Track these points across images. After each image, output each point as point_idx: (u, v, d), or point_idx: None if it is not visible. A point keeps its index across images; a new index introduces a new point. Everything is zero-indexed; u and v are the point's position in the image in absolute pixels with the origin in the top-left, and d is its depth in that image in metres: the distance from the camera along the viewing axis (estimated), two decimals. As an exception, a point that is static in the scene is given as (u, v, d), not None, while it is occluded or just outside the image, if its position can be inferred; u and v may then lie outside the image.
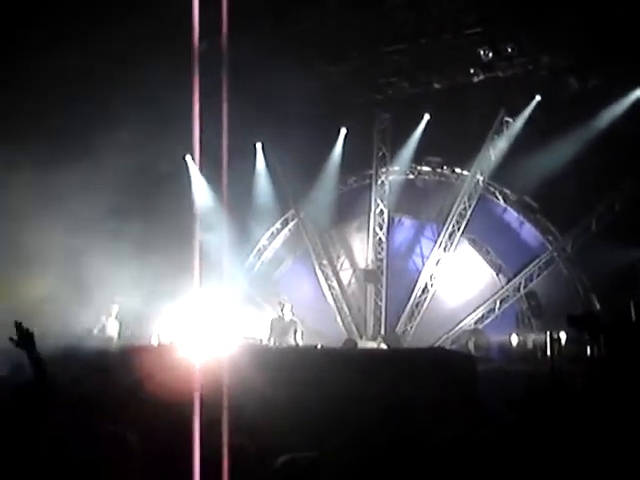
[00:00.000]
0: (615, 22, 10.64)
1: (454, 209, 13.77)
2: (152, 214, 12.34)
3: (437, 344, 12.91)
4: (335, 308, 14.53)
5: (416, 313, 13.85)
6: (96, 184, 10.91)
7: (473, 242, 13.84)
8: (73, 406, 3.53)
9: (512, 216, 13.60)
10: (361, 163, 14.70)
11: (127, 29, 10.71)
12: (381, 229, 14.49)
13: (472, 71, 12.51)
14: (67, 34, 10.55)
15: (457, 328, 13.41)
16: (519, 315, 13.28)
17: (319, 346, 10.35)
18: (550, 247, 13.12)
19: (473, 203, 13.74)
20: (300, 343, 10.95)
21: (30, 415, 2.96)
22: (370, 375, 6.86)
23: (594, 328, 8.91)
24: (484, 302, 13.47)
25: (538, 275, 13.18)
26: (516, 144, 12.88)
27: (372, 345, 12.80)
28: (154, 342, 11.37)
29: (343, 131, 14.32)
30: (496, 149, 13.36)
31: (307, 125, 12.20)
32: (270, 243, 15.44)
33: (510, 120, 13.16)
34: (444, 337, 13.31)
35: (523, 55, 11.97)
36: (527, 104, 12.76)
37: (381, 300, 14.15)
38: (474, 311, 13.46)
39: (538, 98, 12.64)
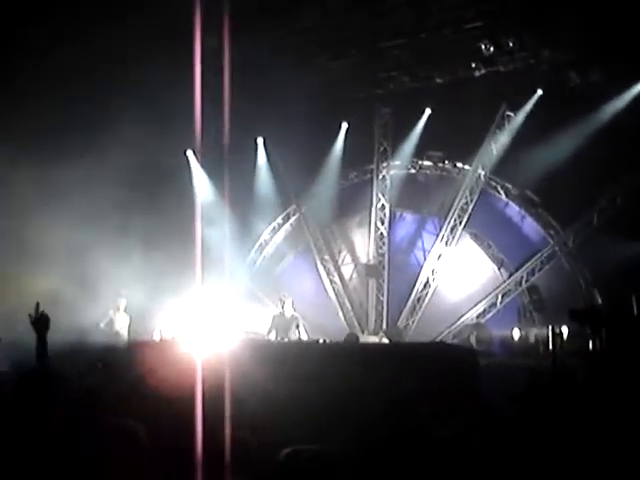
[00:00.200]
0: (616, 16, 10.61)
1: (456, 203, 13.77)
2: (156, 210, 12.36)
3: (439, 338, 12.92)
4: (337, 303, 14.55)
5: (418, 307, 13.87)
6: (100, 181, 10.95)
7: (475, 236, 13.84)
8: (79, 400, 3.54)
9: (514, 210, 13.60)
10: (362, 158, 14.71)
11: (128, 28, 10.71)
12: (382, 224, 14.50)
13: (473, 65, 12.48)
14: (69, 34, 10.57)
15: (459, 322, 13.43)
16: (521, 309, 13.28)
17: (321, 341, 10.37)
18: (552, 241, 13.12)
19: (475, 197, 13.75)
20: (303, 338, 10.97)
21: (33, 405, 2.98)
22: (372, 369, 6.88)
23: (596, 322, 8.92)
24: (486, 296, 13.48)
25: (540, 269, 13.18)
26: (517, 138, 12.87)
27: (374, 340, 12.81)
28: (156, 337, 11.39)
29: (344, 126, 14.32)
30: (497, 143, 13.35)
31: (308, 120, 12.21)
32: (272, 238, 15.45)
33: (511, 114, 13.15)
34: (446, 331, 13.32)
35: (524, 49, 11.94)
36: (528, 98, 12.75)
37: (383, 295, 14.17)
38: (476, 305, 13.47)
39: (539, 92, 12.63)
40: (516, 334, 12.13)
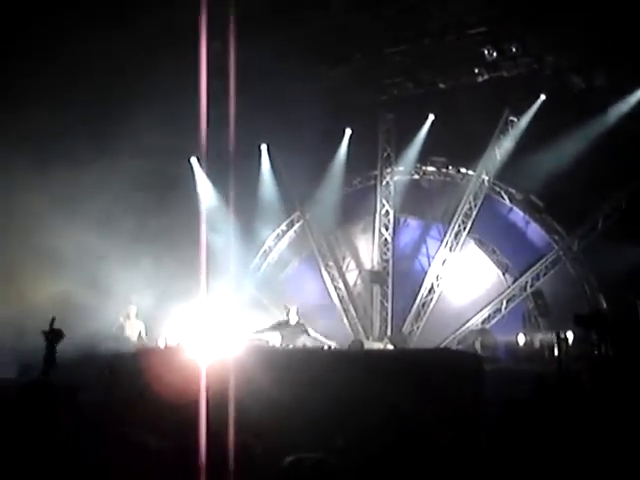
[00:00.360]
0: (619, 21, 10.61)
1: (460, 209, 13.76)
2: (166, 214, 12.39)
3: (444, 344, 12.89)
4: (341, 309, 14.53)
5: (422, 313, 13.84)
6: (112, 185, 11.00)
7: (479, 242, 13.83)
8: (85, 409, 3.55)
9: (518, 216, 13.58)
10: (366, 164, 14.71)
11: (136, 33, 10.77)
12: (387, 230, 14.49)
13: (477, 71, 12.51)
14: (69, 37, 10.61)
15: (464, 328, 13.39)
16: (526, 315, 13.25)
17: (325, 347, 10.37)
18: (556, 246, 13.09)
19: (479, 203, 13.73)
20: (311, 342, 10.96)
21: (36, 413, 2.98)
22: (376, 376, 6.86)
23: (601, 327, 8.90)
24: (490, 302, 13.44)
25: (544, 274, 13.15)
26: (521, 143, 12.87)
27: (379, 346, 12.79)
28: (161, 344, 11.40)
29: (348, 132, 14.34)
30: (501, 149, 13.35)
31: (312, 126, 12.22)
32: (276, 245, 15.45)
33: (515, 119, 13.15)
34: (451, 337, 13.29)
35: (527, 54, 11.96)
36: (532, 103, 12.76)
37: (387, 301, 14.14)
38: (481, 311, 13.44)
39: (543, 97, 12.63)
40: (521, 339, 12.09)
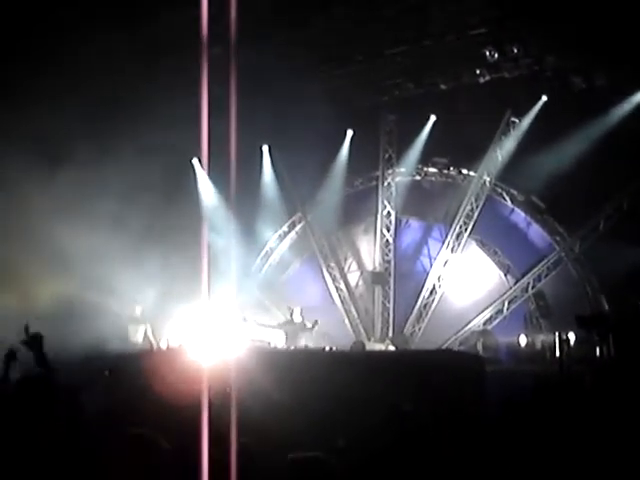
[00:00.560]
0: (620, 22, 10.61)
1: (461, 210, 13.75)
2: (172, 214, 12.41)
3: (445, 345, 12.89)
4: (343, 310, 14.53)
5: (424, 314, 13.84)
6: (116, 186, 11.02)
7: (481, 243, 13.83)
8: (83, 410, 3.56)
9: (519, 217, 13.58)
10: (367, 165, 14.72)
11: (138, 34, 10.80)
12: (388, 231, 14.49)
13: (478, 72, 12.50)
14: (71, 41, 10.65)
15: (465, 329, 13.39)
16: (527, 316, 13.25)
17: (327, 348, 10.38)
18: (558, 247, 13.08)
19: (480, 204, 13.73)
20: (313, 343, 10.98)
21: (35, 407, 2.99)
22: (378, 377, 6.87)
23: (603, 328, 8.90)
24: (492, 303, 13.44)
25: (546, 275, 13.14)
26: (523, 144, 12.86)
27: (380, 347, 12.81)
28: (163, 345, 11.41)
29: (349, 133, 14.34)
30: (503, 150, 13.35)
31: (313, 128, 12.22)
32: (277, 246, 15.46)
33: (516, 120, 13.15)
34: (452, 338, 13.29)
35: (529, 55, 11.95)
36: (533, 104, 12.76)
37: (389, 302, 14.15)
38: (482, 312, 13.43)
39: (544, 98, 12.63)
40: (523, 341, 12.09)
